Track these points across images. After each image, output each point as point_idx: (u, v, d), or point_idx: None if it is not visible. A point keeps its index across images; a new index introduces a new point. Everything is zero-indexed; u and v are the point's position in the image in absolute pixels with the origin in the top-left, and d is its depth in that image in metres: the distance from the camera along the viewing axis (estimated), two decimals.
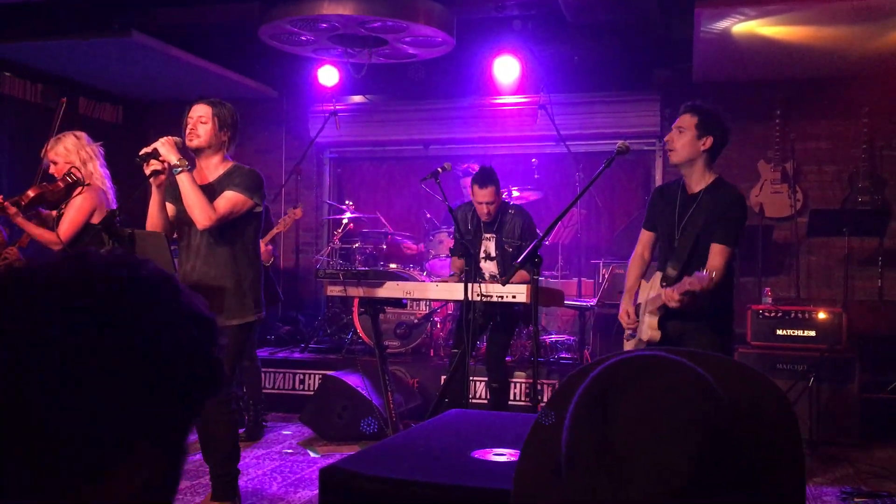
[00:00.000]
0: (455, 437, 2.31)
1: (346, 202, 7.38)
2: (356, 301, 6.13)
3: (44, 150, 4.48)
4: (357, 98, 8.11)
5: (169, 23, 6.37)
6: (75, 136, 4.48)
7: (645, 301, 3.75)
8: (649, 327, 3.67)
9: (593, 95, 7.52)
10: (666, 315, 3.62)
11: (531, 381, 5.59)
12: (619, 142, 3.74)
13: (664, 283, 3.60)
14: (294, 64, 7.30)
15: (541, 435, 1.01)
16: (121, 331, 0.71)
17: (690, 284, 3.34)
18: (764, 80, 7.10)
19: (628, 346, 3.92)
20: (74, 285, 0.72)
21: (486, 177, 5.07)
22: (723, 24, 5.64)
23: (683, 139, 3.60)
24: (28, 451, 0.68)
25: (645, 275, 3.94)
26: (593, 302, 6.08)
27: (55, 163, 4.42)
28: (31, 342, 0.69)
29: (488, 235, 5.22)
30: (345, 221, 7.07)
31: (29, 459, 0.68)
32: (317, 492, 2.05)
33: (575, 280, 6.94)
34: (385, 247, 7.20)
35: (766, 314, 5.40)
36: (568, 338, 6.47)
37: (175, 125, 3.79)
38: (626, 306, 3.86)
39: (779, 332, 5.35)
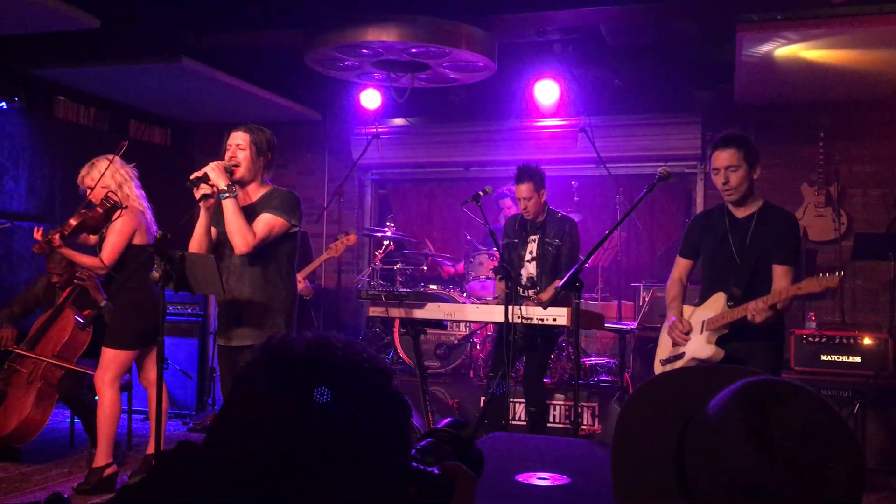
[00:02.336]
0: (498, 461, 2.34)
1: (388, 223, 7.46)
2: (397, 322, 6.18)
3: (80, 177, 4.56)
4: (399, 120, 8.22)
5: (217, 48, 6.53)
6: (108, 159, 4.54)
7: (702, 321, 3.76)
8: (708, 343, 3.69)
9: (634, 118, 7.52)
10: (725, 335, 3.67)
11: (570, 403, 5.59)
12: (661, 167, 3.75)
13: (731, 304, 3.64)
14: (337, 87, 7.42)
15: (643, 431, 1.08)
16: (350, 403, 0.96)
17: (789, 292, 3.43)
18: (807, 102, 7.04)
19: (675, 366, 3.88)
20: (323, 367, 0.97)
21: (521, 173, 5.07)
22: (765, 48, 5.63)
23: (739, 176, 3.61)
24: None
25: (684, 299, 3.98)
26: (634, 325, 6.06)
27: (91, 188, 4.50)
28: (291, 407, 0.94)
29: (533, 237, 5.20)
30: (386, 242, 7.14)
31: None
32: None
33: (615, 303, 6.92)
34: (425, 268, 7.26)
35: (810, 339, 5.34)
36: (608, 360, 6.45)
37: (221, 147, 3.88)
38: (680, 322, 3.83)
39: (823, 357, 5.29)
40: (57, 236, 4.28)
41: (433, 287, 6.76)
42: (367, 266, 7.86)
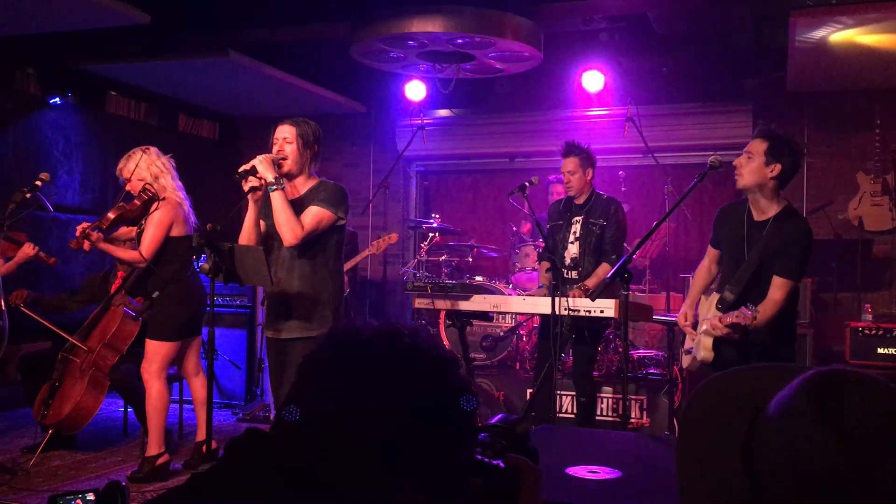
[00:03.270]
0: (547, 453, 2.32)
1: (433, 215, 7.45)
2: (442, 313, 6.18)
3: (118, 169, 4.60)
4: (443, 112, 8.20)
5: (263, 42, 6.59)
6: (144, 151, 4.56)
7: (701, 319, 3.68)
8: (703, 347, 3.59)
9: (683, 107, 7.40)
10: (721, 339, 3.52)
11: (618, 396, 5.54)
12: (712, 156, 3.66)
13: (719, 306, 3.55)
14: (382, 79, 7.44)
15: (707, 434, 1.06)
16: (418, 392, 0.95)
17: (737, 318, 3.30)
18: (863, 88, 6.86)
19: (685, 361, 3.85)
20: (390, 356, 0.96)
21: (568, 147, 5.07)
22: (819, 33, 5.49)
23: (751, 165, 3.50)
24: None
25: (708, 288, 3.91)
26: None
27: (129, 180, 4.54)
28: (358, 398, 0.93)
29: (578, 218, 5.15)
30: (431, 234, 7.14)
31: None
32: None
33: (663, 294, 6.83)
34: (471, 259, 7.24)
35: (866, 332, 5.22)
36: (656, 353, 6.37)
37: (267, 140, 3.90)
38: (685, 309, 3.84)
39: (879, 350, 5.17)
40: (95, 233, 4.31)
41: (478, 278, 6.75)
42: (413, 258, 7.88)
